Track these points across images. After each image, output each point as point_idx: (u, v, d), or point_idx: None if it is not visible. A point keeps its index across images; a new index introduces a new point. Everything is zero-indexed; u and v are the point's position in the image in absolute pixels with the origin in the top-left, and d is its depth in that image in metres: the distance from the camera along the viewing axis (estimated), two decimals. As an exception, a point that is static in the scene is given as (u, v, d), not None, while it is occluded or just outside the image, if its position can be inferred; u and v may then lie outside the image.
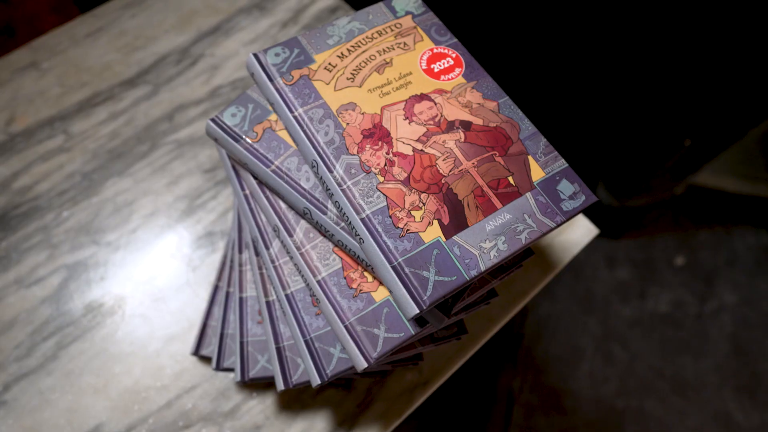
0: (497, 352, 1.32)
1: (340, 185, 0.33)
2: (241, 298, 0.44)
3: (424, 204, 0.33)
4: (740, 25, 0.87)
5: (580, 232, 0.54)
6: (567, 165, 0.36)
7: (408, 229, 0.32)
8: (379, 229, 0.32)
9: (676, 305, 1.40)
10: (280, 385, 0.39)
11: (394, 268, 0.31)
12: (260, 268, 0.42)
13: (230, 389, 0.47)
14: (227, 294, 0.46)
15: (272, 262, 0.40)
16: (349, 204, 0.33)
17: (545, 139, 0.37)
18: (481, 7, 1.17)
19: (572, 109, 1.27)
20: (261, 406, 0.46)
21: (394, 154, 0.35)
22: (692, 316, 1.38)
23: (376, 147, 0.35)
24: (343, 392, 0.47)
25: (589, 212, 1.45)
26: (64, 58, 0.62)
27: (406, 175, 0.34)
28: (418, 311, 0.30)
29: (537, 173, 0.35)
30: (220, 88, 0.60)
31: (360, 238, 0.33)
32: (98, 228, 0.53)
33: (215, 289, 0.48)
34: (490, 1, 1.15)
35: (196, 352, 0.46)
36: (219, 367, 0.44)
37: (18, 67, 0.61)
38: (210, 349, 0.46)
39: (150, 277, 0.51)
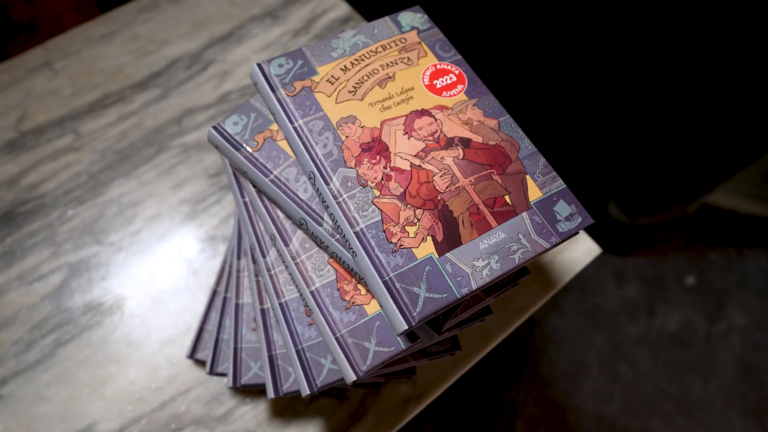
0: (502, 365, 1.31)
1: (336, 198, 0.34)
2: (237, 305, 0.44)
3: (418, 220, 0.33)
4: (758, 48, 0.86)
5: (582, 251, 0.53)
6: (565, 186, 0.36)
7: (401, 245, 0.32)
8: (372, 243, 0.32)
9: (684, 325, 1.38)
10: (271, 393, 0.39)
11: (385, 282, 0.31)
12: (257, 275, 0.42)
13: (224, 394, 0.47)
14: (225, 299, 0.46)
15: (268, 270, 0.40)
16: (343, 217, 0.33)
17: (544, 159, 0.37)
18: (488, 23, 1.17)
19: (586, 124, 1.26)
20: (254, 412, 0.46)
21: (392, 169, 0.35)
22: (701, 337, 1.36)
23: (374, 161, 0.35)
24: (336, 402, 0.47)
25: (599, 228, 1.43)
26: (77, 59, 0.63)
27: (402, 190, 0.34)
28: (406, 327, 0.30)
29: (534, 193, 0.35)
30: (229, 94, 0.61)
31: (353, 251, 0.33)
32: (102, 228, 0.53)
33: (213, 294, 0.48)
34: (498, 18, 1.15)
35: (192, 355, 0.47)
36: (213, 372, 0.44)
37: (32, 66, 0.63)
38: (205, 353, 0.47)
39: (150, 278, 0.51)
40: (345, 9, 0.67)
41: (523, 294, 0.52)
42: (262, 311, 0.41)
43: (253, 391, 0.47)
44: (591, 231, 1.46)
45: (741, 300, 1.41)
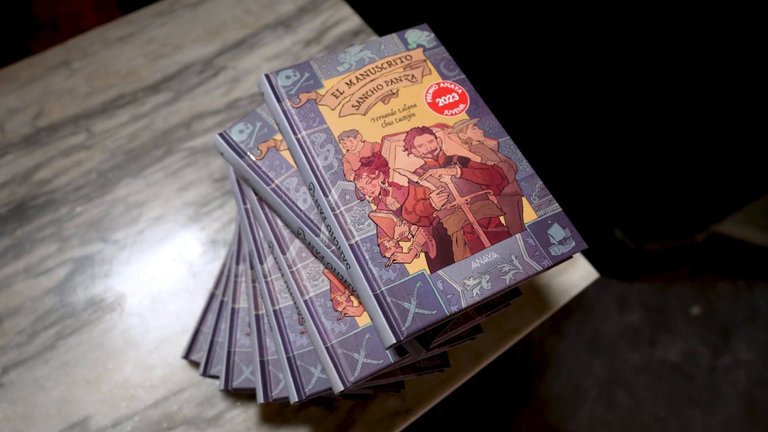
0: (498, 385, 1.30)
1: (333, 210, 0.34)
2: (233, 309, 0.45)
3: (413, 236, 0.34)
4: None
5: (579, 275, 0.53)
6: (560, 209, 0.36)
7: (394, 259, 0.33)
8: (366, 257, 0.33)
9: (687, 356, 1.36)
10: (260, 398, 0.40)
11: (376, 296, 0.32)
12: (254, 281, 0.43)
13: (216, 396, 0.47)
14: (222, 303, 0.47)
15: (264, 277, 0.41)
16: (339, 229, 0.34)
17: (541, 182, 0.37)
18: (494, 44, 1.18)
19: (595, 146, 1.26)
20: (244, 416, 0.46)
21: (390, 184, 0.35)
22: (704, 369, 1.35)
23: (373, 175, 0.36)
24: (324, 411, 0.47)
25: (603, 252, 1.42)
26: (94, 60, 0.65)
27: (398, 205, 0.35)
28: (394, 341, 0.30)
29: (529, 215, 0.36)
30: (238, 101, 0.62)
31: (347, 263, 0.33)
32: (108, 226, 0.55)
33: (211, 297, 0.49)
34: (505, 39, 1.16)
35: (187, 356, 0.47)
36: (206, 374, 0.45)
37: (51, 64, 0.64)
38: (200, 354, 0.47)
39: (151, 278, 0.52)
40: (356, 22, 0.68)
41: (517, 315, 0.52)
42: (257, 317, 0.42)
43: (245, 395, 0.47)
44: (594, 254, 1.45)
45: (748, 334, 1.39)
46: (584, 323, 1.39)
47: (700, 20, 0.88)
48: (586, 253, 1.41)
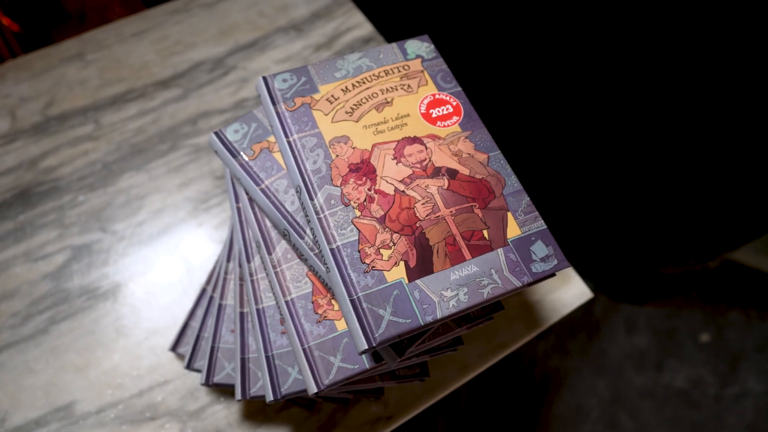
0: (501, 402, 1.29)
1: (317, 213, 0.35)
2: (220, 305, 0.45)
3: (394, 244, 0.34)
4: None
5: (572, 294, 0.53)
6: (545, 227, 0.36)
7: (373, 266, 0.33)
8: (346, 262, 0.33)
9: (694, 383, 1.33)
10: (238, 395, 0.40)
11: (352, 301, 0.32)
12: (241, 279, 0.43)
13: (200, 390, 0.48)
14: (211, 299, 0.48)
15: (251, 275, 0.41)
16: (322, 232, 0.34)
17: (528, 198, 0.37)
18: (499, 57, 1.17)
19: (607, 165, 1.24)
20: (226, 411, 0.47)
21: (376, 192, 0.36)
22: (711, 397, 1.32)
23: (360, 182, 0.36)
24: (306, 412, 0.47)
25: (614, 274, 1.40)
26: (108, 53, 0.66)
27: (382, 213, 0.35)
28: (366, 347, 0.31)
29: (513, 230, 0.36)
30: (245, 101, 0.63)
31: (327, 267, 0.34)
32: (108, 216, 0.56)
33: (202, 292, 0.49)
34: (511, 52, 1.15)
35: (174, 348, 0.48)
36: (190, 367, 0.45)
37: (66, 56, 0.66)
38: (186, 348, 0.48)
39: (146, 270, 0.53)
40: (368, 29, 0.69)
41: (506, 329, 0.51)
42: (241, 314, 0.42)
43: (229, 391, 0.48)
44: (604, 276, 1.43)
45: (758, 364, 1.36)
46: (590, 343, 1.37)
47: (711, 31, 0.87)
48: (596, 275, 1.39)
